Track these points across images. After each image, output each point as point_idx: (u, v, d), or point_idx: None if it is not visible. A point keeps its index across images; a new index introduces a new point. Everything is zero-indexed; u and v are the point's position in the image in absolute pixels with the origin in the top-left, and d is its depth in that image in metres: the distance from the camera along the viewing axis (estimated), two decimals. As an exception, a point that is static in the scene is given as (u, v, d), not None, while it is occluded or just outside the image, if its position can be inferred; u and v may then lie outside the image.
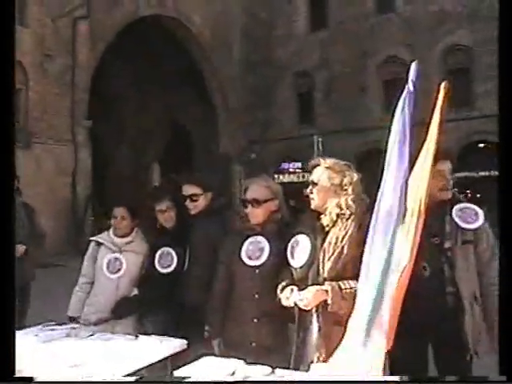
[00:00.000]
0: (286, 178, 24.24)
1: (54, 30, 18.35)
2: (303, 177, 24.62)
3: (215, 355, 2.91)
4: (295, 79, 25.46)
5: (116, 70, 25.80)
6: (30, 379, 2.26)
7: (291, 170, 25.41)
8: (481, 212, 2.89)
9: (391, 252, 2.35)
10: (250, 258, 3.13)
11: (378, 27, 23.11)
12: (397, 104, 2.56)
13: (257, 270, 3.10)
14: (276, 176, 23.86)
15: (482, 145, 21.37)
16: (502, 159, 2.28)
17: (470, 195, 21.21)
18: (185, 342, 3.09)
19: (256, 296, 3.09)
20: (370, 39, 22.99)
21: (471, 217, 2.87)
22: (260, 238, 3.14)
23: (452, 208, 2.89)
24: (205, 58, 24.98)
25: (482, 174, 20.80)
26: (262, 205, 3.14)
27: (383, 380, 2.30)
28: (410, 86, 2.46)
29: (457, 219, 2.85)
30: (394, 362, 2.57)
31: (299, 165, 25.29)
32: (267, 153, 25.41)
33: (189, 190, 3.60)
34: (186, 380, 2.40)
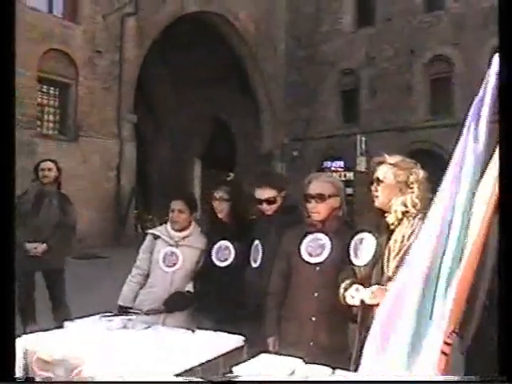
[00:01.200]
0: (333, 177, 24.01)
1: (104, 27, 18.71)
2: (345, 176, 24.45)
3: (272, 353, 2.86)
4: (340, 76, 25.21)
5: (160, 66, 26.11)
6: (31, 379, 2.26)
7: (333, 168, 25.24)
8: None
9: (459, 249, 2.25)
10: (310, 254, 3.10)
11: (425, 25, 22.67)
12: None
13: (317, 268, 3.07)
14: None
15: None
16: (502, 159, 2.19)
17: None
18: (242, 338, 3.05)
19: (315, 294, 3.05)
20: (417, 37, 22.56)
21: None
22: (321, 235, 3.11)
23: None
24: (249, 55, 25.00)
25: None
26: (326, 200, 3.10)
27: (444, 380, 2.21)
28: (492, 79, 2.30)
29: None
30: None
31: (342, 163, 25.10)
32: (310, 151, 25.28)
33: (264, 193, 3.56)
34: (188, 380, 2.36)
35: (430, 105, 22.85)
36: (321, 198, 3.10)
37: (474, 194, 2.29)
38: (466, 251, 2.24)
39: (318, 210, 3.12)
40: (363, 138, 22.64)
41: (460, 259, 2.25)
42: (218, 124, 28.70)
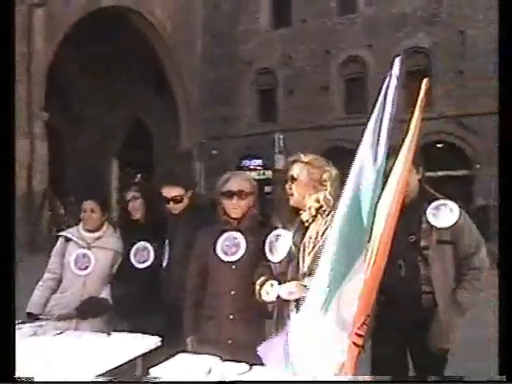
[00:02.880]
0: (250, 175, 24.13)
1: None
2: (263, 174, 24.66)
3: (190, 353, 2.86)
4: (257, 76, 25.42)
5: (76, 61, 25.25)
6: (31, 380, 2.24)
7: (252, 166, 25.39)
8: (456, 209, 2.87)
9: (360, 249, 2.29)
10: (225, 253, 3.10)
11: (340, 27, 23.29)
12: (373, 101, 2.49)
13: (233, 266, 3.08)
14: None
15: (440, 145, 21.75)
16: (503, 160, 2.30)
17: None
18: (159, 339, 3.03)
19: (232, 292, 3.06)
20: (332, 38, 23.16)
21: (446, 214, 2.85)
22: (236, 234, 3.12)
23: (428, 205, 2.88)
24: (166, 52, 24.65)
25: (440, 173, 21.19)
26: (245, 198, 3.12)
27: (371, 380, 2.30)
28: (393, 80, 2.37)
29: (430, 217, 2.85)
30: (374, 362, 2.61)
31: (260, 162, 25.31)
32: (228, 149, 25.31)
33: (170, 192, 3.57)
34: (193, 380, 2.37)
35: (345, 104, 23.52)
36: (240, 194, 3.12)
37: (375, 195, 2.32)
38: (372, 248, 2.27)
39: (238, 207, 3.13)
40: (281, 137, 22.93)
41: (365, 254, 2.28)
42: (135, 122, 28.11)
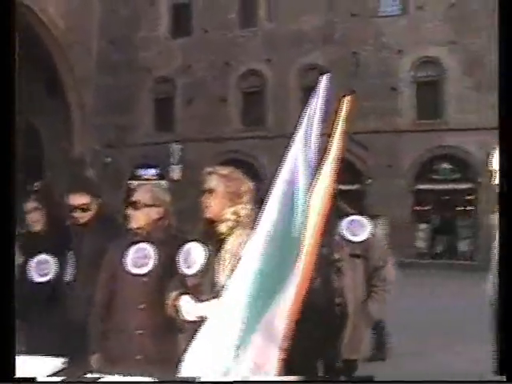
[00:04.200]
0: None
1: None
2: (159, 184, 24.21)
3: (95, 372, 2.65)
4: (156, 84, 25.00)
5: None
6: (31, 379, 2.24)
7: (147, 176, 24.86)
8: (368, 224, 2.97)
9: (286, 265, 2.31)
10: (135, 265, 3.00)
11: (241, 40, 23.49)
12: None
13: (143, 279, 2.98)
14: (131, 182, 23.18)
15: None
16: (503, 163, 2.31)
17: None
18: (62, 360, 2.74)
19: (142, 306, 2.96)
20: (232, 51, 23.32)
21: (358, 229, 2.96)
22: (146, 245, 3.04)
23: (341, 220, 2.98)
24: (59, 52, 23.56)
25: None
26: (143, 209, 3.04)
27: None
28: (321, 97, 2.45)
29: (344, 231, 2.93)
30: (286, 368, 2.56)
31: (155, 171, 24.85)
32: (123, 158, 24.60)
33: (77, 200, 3.41)
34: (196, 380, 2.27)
35: (243, 116, 23.69)
36: (137, 205, 3.07)
37: (305, 204, 2.37)
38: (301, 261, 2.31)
39: (135, 218, 3.07)
40: (178, 147, 22.64)
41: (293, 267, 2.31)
42: (25, 125, 26.58)
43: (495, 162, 2.58)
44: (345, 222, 2.96)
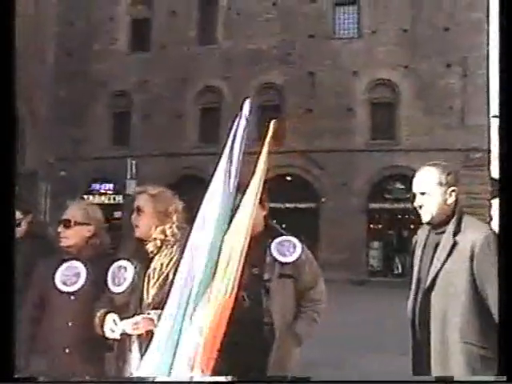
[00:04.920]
0: (96, 199, 23.25)
1: None
2: (114, 199, 23.90)
3: None
4: (112, 98, 24.77)
5: None
6: (31, 379, 2.25)
7: (102, 191, 24.49)
8: (299, 245, 3.00)
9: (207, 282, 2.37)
10: (65, 283, 2.97)
11: (199, 57, 23.56)
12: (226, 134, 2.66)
13: (72, 297, 2.95)
14: (86, 197, 22.79)
15: (289, 178, 22.67)
16: (503, 167, 2.38)
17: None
18: None
19: (69, 324, 2.92)
20: (190, 67, 23.33)
21: (289, 250, 2.95)
22: (77, 263, 3.02)
23: (272, 240, 2.96)
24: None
25: (288, 205, 22.03)
26: (73, 227, 3.03)
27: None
28: (243, 119, 2.60)
29: (274, 252, 2.93)
30: None
31: (111, 186, 24.52)
32: (77, 172, 24.18)
33: None
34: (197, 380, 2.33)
35: (200, 132, 23.70)
36: (68, 223, 3.05)
37: (224, 228, 2.46)
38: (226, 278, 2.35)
39: (65, 236, 3.05)
40: (133, 162, 22.42)
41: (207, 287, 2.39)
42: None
43: (416, 184, 2.71)
44: (275, 243, 2.95)
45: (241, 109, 2.65)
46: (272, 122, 2.54)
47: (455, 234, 2.57)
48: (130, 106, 24.48)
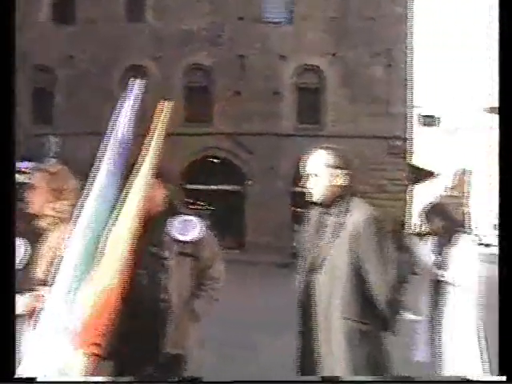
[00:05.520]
0: (17, 178, 22.25)
1: None
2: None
3: None
4: (34, 72, 23.68)
5: None
6: (31, 379, 2.25)
7: (23, 169, 23.42)
8: (199, 224, 3.01)
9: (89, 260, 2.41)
10: None
11: (127, 34, 22.92)
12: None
13: None
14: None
15: (216, 160, 22.65)
16: (502, 163, 2.45)
17: (202, 207, 22.35)
18: None
19: None
20: (118, 45, 22.67)
21: (189, 229, 2.99)
22: None
23: (173, 219, 2.98)
24: None
25: (214, 187, 22.05)
26: None
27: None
28: (131, 100, 2.64)
29: (174, 231, 2.95)
30: (124, 364, 2.68)
31: (31, 164, 23.57)
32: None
33: None
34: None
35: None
36: None
37: (115, 207, 2.50)
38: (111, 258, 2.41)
39: None
40: (55, 140, 21.64)
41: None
42: None
43: (310, 167, 2.83)
44: (175, 221, 2.98)
45: (130, 89, 2.68)
46: (166, 103, 2.57)
47: (342, 215, 2.70)
48: (54, 82, 23.53)
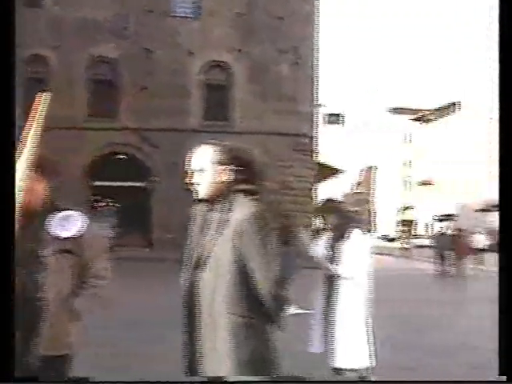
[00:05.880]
0: None
1: None
2: None
3: None
4: None
5: None
6: (31, 379, 2.33)
7: None
8: (82, 220, 2.90)
9: None
10: None
11: (23, 21, 21.69)
12: None
13: None
14: None
15: (121, 156, 22.05)
16: (503, 162, 2.42)
17: (109, 204, 21.69)
18: None
19: None
20: (16, 31, 21.37)
21: (69, 224, 2.86)
22: None
23: (53, 215, 2.82)
24: None
25: (119, 183, 21.44)
26: None
27: None
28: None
29: (53, 226, 2.82)
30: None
31: None
32: None
33: None
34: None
35: (24, 102, 21.97)
36: None
37: None
38: None
39: None
40: None
41: None
42: None
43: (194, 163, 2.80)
44: (55, 217, 2.82)
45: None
46: (44, 94, 2.45)
47: (225, 211, 2.70)
48: None
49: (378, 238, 62.85)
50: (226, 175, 2.75)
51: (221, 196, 2.74)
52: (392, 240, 52.05)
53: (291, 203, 19.48)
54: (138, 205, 21.93)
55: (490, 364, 5.72)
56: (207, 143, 2.81)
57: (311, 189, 22.86)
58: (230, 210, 2.69)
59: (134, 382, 2.53)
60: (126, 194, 21.43)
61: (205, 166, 2.76)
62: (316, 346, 4.27)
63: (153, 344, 6.49)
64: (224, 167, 2.75)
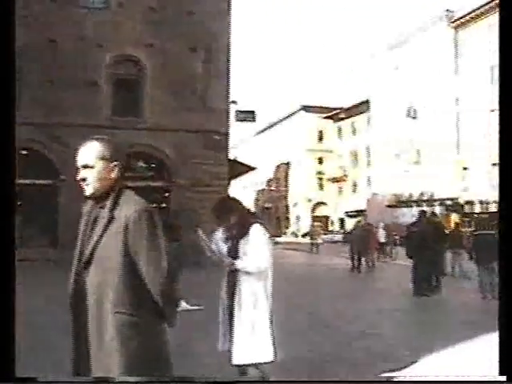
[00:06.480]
0: None
1: None
2: None
3: None
4: None
5: None
6: (32, 380, 2.38)
7: None
8: None
9: None
10: None
11: None
12: None
13: None
14: None
15: (25, 152, 20.99)
16: (503, 162, 2.51)
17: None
18: None
19: None
20: None
21: None
22: None
23: None
24: None
25: (23, 181, 20.40)
26: None
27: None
28: None
29: None
30: None
31: None
32: None
33: None
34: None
35: None
36: None
37: None
38: None
39: None
40: None
41: None
42: None
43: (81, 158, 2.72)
44: None
45: None
46: None
47: (113, 208, 2.64)
48: None
49: (291, 233, 64.16)
50: (114, 172, 2.69)
51: (108, 192, 2.67)
52: (305, 235, 53.15)
53: (202, 200, 19.37)
54: (45, 204, 21.05)
55: (391, 351, 5.93)
56: (94, 139, 2.74)
57: (225, 186, 22.82)
58: (117, 206, 2.62)
59: (136, 383, 2.53)
60: (29, 192, 20.46)
61: (92, 162, 2.67)
62: (221, 344, 4.23)
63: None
64: (114, 163, 2.70)
